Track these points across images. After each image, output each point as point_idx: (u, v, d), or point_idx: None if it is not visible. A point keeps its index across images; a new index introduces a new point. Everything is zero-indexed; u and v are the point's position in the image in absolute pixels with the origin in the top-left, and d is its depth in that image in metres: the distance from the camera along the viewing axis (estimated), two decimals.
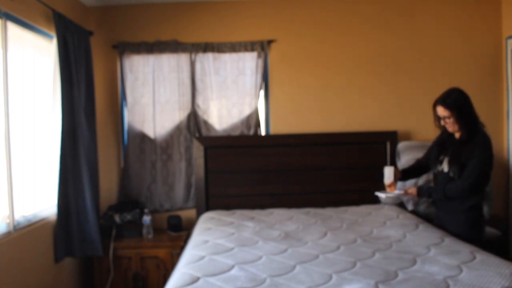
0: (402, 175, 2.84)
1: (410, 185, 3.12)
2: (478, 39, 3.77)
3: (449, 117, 2.49)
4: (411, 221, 2.89)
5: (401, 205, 3.49)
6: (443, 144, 2.65)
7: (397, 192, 2.75)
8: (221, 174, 3.67)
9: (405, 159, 3.44)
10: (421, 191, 2.66)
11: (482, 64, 3.78)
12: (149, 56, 3.71)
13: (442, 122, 2.55)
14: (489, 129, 3.72)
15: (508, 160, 3.72)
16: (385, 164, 3.62)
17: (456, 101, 2.48)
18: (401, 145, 3.60)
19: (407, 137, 3.76)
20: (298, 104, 3.78)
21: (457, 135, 2.59)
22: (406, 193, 2.71)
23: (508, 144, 3.71)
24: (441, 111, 2.52)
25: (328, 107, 3.79)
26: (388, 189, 2.80)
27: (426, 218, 3.05)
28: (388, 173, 2.79)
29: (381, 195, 2.78)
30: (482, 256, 2.11)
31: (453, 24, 3.77)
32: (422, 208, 3.33)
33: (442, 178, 2.59)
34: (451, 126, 2.53)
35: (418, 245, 2.36)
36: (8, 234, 2.51)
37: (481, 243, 2.44)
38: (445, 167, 2.57)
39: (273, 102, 3.79)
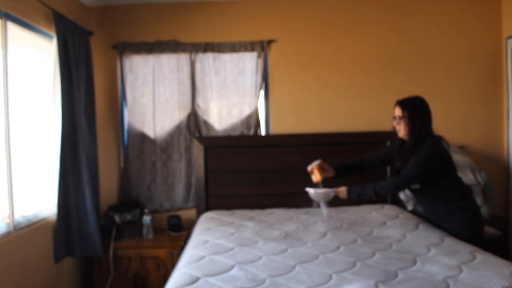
0: (336, 171, 2.80)
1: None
2: (478, 39, 3.77)
3: (401, 118, 2.53)
4: (411, 221, 2.89)
5: (401, 205, 3.49)
6: (401, 152, 2.62)
7: (326, 189, 2.66)
8: (221, 174, 3.67)
9: None
10: (351, 191, 2.60)
11: (482, 64, 3.78)
12: (149, 56, 3.71)
13: (394, 123, 2.58)
14: (489, 129, 3.79)
15: (508, 160, 3.71)
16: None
17: (413, 104, 2.51)
18: None
19: None
20: (298, 104, 3.78)
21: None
22: (336, 191, 2.65)
23: (508, 144, 3.71)
24: (397, 110, 2.56)
25: (328, 107, 3.79)
26: (313, 178, 2.74)
27: (426, 218, 3.05)
28: (313, 163, 2.76)
29: (310, 190, 2.67)
30: (482, 256, 2.10)
31: (453, 24, 3.77)
32: (421, 208, 3.32)
33: (409, 189, 2.60)
34: (401, 128, 2.54)
35: (418, 245, 2.36)
36: (8, 234, 2.52)
37: (480, 242, 2.42)
38: None
39: (273, 102, 3.79)
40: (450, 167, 2.51)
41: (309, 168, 2.77)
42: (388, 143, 2.82)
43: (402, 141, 2.61)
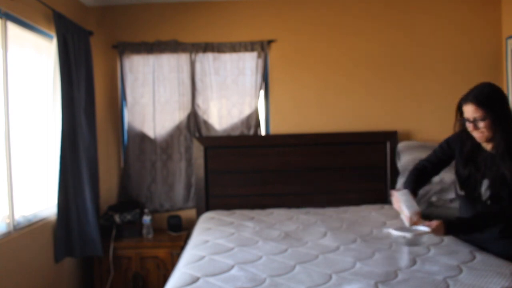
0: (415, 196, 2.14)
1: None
2: (478, 39, 3.77)
3: (482, 119, 1.87)
4: None
5: None
6: (474, 159, 2.00)
7: (420, 228, 1.93)
8: (221, 174, 3.67)
9: (405, 159, 3.44)
10: (451, 228, 1.92)
11: (482, 64, 3.77)
12: (149, 56, 3.71)
13: (471, 128, 1.92)
14: None
15: None
16: (395, 185, 3.42)
17: (493, 98, 1.89)
18: (401, 145, 3.60)
19: (407, 137, 3.76)
20: (298, 104, 3.78)
21: (487, 146, 1.98)
22: (432, 231, 1.90)
23: None
24: (472, 111, 1.89)
25: (328, 107, 3.79)
26: (405, 221, 2.02)
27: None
28: (409, 202, 2.01)
29: (395, 233, 1.96)
30: (482, 256, 2.10)
31: (453, 24, 3.77)
32: (421, 208, 3.32)
33: (482, 206, 1.98)
34: (483, 132, 1.90)
35: None
36: (8, 234, 2.51)
37: None
38: (485, 192, 1.94)
39: (273, 102, 3.79)
40: None
41: (415, 217, 1.96)
42: (438, 148, 2.28)
43: (475, 144, 2.01)
